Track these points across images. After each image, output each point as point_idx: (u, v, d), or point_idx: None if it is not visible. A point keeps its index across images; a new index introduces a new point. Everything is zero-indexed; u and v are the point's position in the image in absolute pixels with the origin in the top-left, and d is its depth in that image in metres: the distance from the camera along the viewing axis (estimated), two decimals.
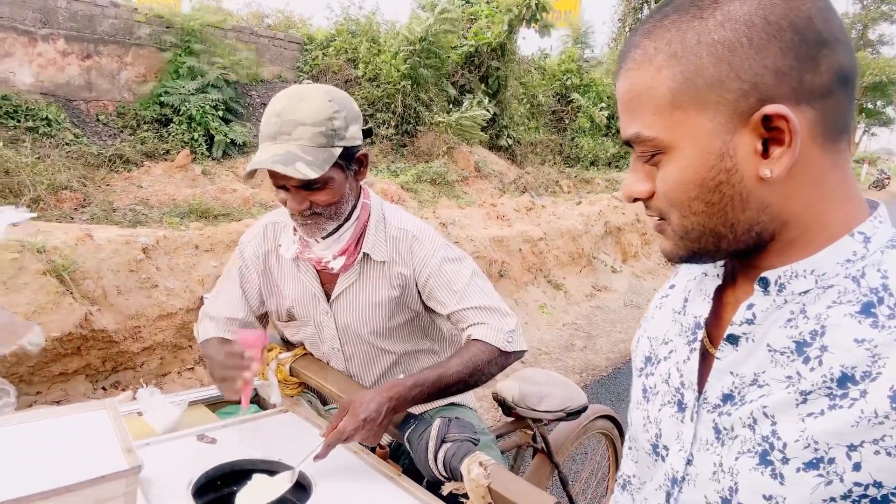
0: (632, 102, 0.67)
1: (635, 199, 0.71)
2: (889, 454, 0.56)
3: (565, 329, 6.11)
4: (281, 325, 1.64)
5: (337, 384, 1.50)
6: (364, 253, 1.49)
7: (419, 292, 1.52)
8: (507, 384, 1.88)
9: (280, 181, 1.35)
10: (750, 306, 0.68)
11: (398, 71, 8.57)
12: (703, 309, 0.75)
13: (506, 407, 1.88)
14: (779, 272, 0.66)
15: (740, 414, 0.67)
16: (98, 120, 7.07)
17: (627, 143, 0.70)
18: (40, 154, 5.65)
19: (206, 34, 7.56)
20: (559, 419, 1.90)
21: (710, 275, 0.77)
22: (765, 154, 0.62)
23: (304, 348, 1.64)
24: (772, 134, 0.61)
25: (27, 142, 5.77)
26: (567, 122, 12.65)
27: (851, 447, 0.58)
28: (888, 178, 30.12)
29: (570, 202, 8.53)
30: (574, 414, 1.91)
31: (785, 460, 0.62)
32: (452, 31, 8.88)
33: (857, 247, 0.63)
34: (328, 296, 1.54)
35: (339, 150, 1.35)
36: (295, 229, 1.50)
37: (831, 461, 0.59)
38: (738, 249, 0.68)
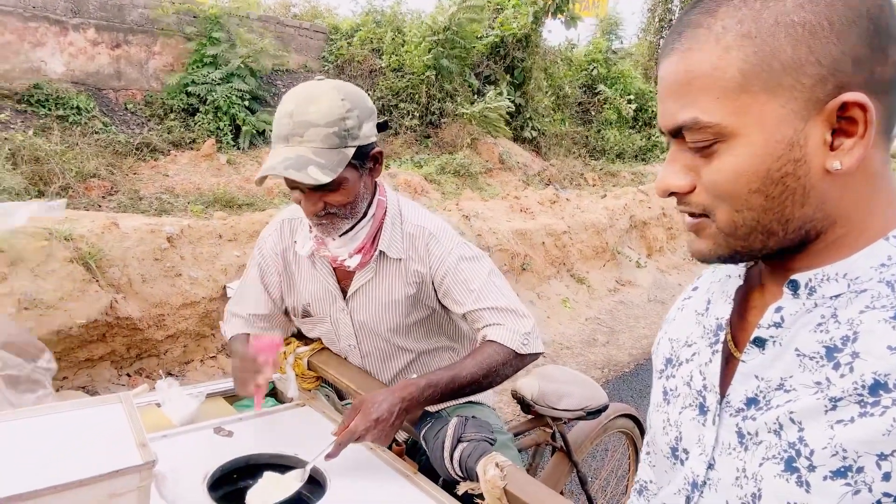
0: (688, 85, 0.62)
1: (672, 194, 0.66)
2: None
3: (588, 324, 6.06)
4: (298, 322, 1.64)
5: (354, 380, 1.49)
6: (380, 251, 1.47)
7: (435, 290, 1.51)
8: (527, 382, 1.86)
9: (294, 183, 1.34)
10: (778, 309, 0.66)
11: (422, 61, 8.53)
12: (725, 310, 0.74)
13: (524, 404, 1.86)
14: (809, 275, 0.64)
15: (766, 419, 0.65)
16: (126, 108, 7.15)
17: (674, 131, 0.64)
18: (70, 142, 5.73)
19: (229, 23, 7.59)
20: (578, 418, 1.87)
21: (732, 276, 0.75)
22: (831, 146, 0.60)
23: (322, 343, 1.64)
24: (841, 125, 0.59)
25: (57, 130, 5.85)
26: (593, 114, 12.51)
27: (882, 456, 0.56)
28: None
29: (595, 195, 8.44)
30: (594, 413, 1.88)
31: (811, 468, 0.60)
32: (476, 19, 8.80)
33: (892, 251, 0.61)
34: (344, 293, 1.53)
35: (352, 150, 1.33)
36: (311, 227, 1.50)
37: (860, 470, 0.57)
38: (782, 248, 0.65)
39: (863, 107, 0.58)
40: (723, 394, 0.71)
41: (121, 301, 3.35)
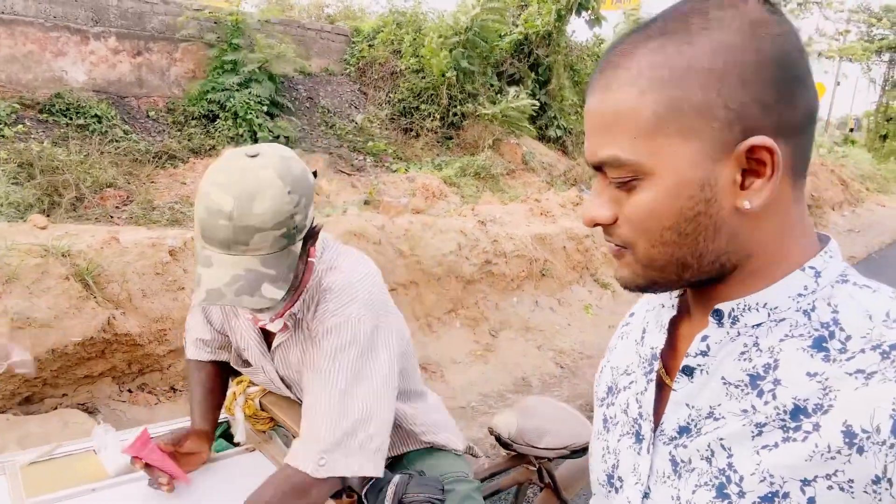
0: (610, 125, 0.64)
1: (596, 225, 0.69)
2: (842, 489, 0.57)
3: (611, 331, 5.83)
4: (239, 369, 1.53)
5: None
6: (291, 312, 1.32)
7: None
8: (503, 419, 1.74)
9: None
10: (704, 338, 0.68)
11: (441, 63, 8.41)
12: (658, 340, 0.76)
13: (503, 442, 1.74)
14: (732, 305, 0.66)
15: (697, 446, 0.67)
16: (148, 116, 7.21)
17: (597, 166, 0.67)
18: (88, 151, 5.77)
19: (249, 29, 7.58)
20: (563, 457, 1.74)
21: (666, 306, 0.77)
22: (741, 186, 0.62)
23: None
24: (751, 166, 0.61)
25: (76, 139, 5.90)
26: None
27: (805, 482, 0.58)
28: None
29: None
30: (579, 451, 1.74)
31: (741, 494, 0.62)
32: (500, 20, 8.64)
33: (808, 281, 0.64)
34: (269, 345, 1.41)
35: (300, 245, 1.18)
36: None
37: (786, 496, 0.59)
38: (700, 280, 0.67)
39: (769, 150, 0.60)
40: (657, 422, 0.73)
41: (119, 317, 3.32)
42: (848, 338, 0.61)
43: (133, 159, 6.15)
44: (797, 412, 0.60)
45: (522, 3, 10.24)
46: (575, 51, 11.23)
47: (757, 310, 0.65)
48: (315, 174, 1.29)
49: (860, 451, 0.56)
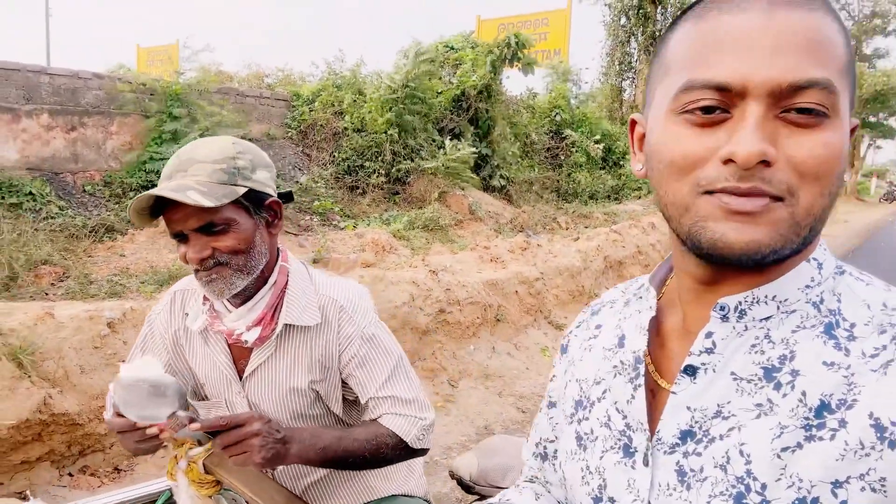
0: (820, 44, 0.56)
1: (758, 163, 0.56)
2: (874, 490, 0.52)
3: None
4: (194, 405, 1.47)
5: (252, 486, 1.30)
6: (285, 324, 1.31)
7: (340, 371, 1.36)
8: (464, 460, 1.68)
9: (176, 227, 1.20)
10: (709, 334, 0.63)
11: (383, 118, 8.54)
12: (640, 342, 0.71)
13: (464, 485, 1.68)
14: (738, 298, 0.62)
15: (712, 453, 0.61)
16: (84, 191, 7.04)
17: (788, 89, 0.55)
18: (22, 230, 5.57)
19: (189, 98, 7.57)
20: None
21: (643, 310, 0.73)
22: None
23: None
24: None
25: (10, 218, 5.70)
26: (562, 158, 12.57)
27: (836, 484, 0.54)
28: None
29: (568, 238, 8.36)
30: None
31: (765, 503, 0.57)
32: (433, 73, 8.87)
33: (814, 273, 0.62)
34: (241, 374, 1.37)
35: (242, 190, 1.22)
36: (205, 298, 1.35)
37: (815, 501, 0.54)
38: (793, 254, 0.60)
39: (853, 131, 0.60)
40: (652, 431, 0.66)
41: (57, 396, 3.14)
42: (853, 325, 0.59)
43: (69, 234, 5.97)
44: (822, 408, 0.56)
45: (457, 62, 10.56)
46: (511, 104, 11.58)
47: (766, 303, 0.61)
48: (292, 195, 1.40)
49: (892, 445, 0.52)
